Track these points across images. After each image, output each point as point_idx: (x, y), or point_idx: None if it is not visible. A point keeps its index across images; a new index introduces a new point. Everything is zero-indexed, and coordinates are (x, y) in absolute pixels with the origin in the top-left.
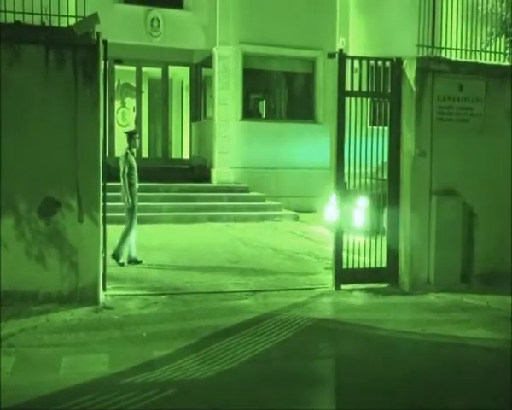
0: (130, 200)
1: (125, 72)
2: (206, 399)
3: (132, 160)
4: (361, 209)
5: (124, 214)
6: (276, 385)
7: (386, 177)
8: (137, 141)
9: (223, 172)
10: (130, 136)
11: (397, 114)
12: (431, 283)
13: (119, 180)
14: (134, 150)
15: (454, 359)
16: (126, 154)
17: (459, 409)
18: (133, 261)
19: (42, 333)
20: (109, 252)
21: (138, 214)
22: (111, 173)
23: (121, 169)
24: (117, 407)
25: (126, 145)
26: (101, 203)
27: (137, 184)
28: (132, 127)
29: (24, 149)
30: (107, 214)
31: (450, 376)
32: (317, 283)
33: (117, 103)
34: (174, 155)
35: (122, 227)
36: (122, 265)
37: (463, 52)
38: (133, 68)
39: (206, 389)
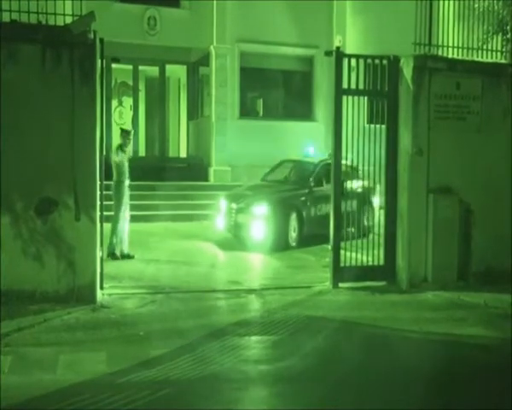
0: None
1: (122, 70)
2: (202, 398)
3: (123, 156)
4: (260, 219)
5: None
6: (273, 384)
7: (281, 178)
8: (130, 140)
9: (220, 170)
10: (127, 134)
11: (394, 112)
12: (428, 281)
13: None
14: (125, 148)
15: (451, 357)
16: (118, 149)
17: (456, 408)
18: (126, 257)
19: (39, 332)
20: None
21: (136, 213)
22: (108, 172)
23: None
24: (114, 406)
25: (120, 141)
26: (99, 202)
27: (127, 181)
28: (127, 127)
29: (20, 148)
30: (105, 213)
31: (448, 374)
32: (315, 281)
33: (114, 102)
34: (171, 153)
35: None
36: (117, 258)
37: (460, 50)
38: (130, 67)
39: (201, 389)
